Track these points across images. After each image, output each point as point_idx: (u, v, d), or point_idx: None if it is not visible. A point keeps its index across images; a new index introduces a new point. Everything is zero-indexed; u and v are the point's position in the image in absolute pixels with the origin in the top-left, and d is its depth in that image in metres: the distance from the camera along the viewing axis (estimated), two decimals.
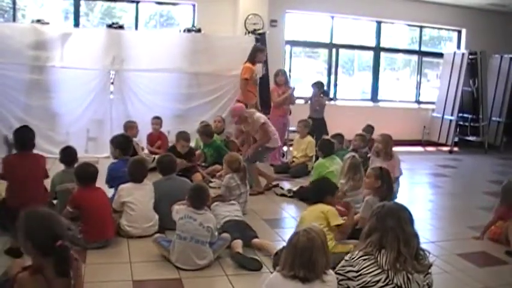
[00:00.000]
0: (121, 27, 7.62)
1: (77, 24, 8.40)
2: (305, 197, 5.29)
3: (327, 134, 6.94)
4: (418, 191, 6.70)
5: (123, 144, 4.86)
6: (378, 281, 2.38)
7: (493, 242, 4.33)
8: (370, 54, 10.50)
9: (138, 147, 6.39)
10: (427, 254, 2.49)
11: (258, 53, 7.28)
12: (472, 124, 9.84)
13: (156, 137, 7.03)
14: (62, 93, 7.20)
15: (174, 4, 9.16)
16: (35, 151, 4.19)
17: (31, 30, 7.05)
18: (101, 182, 4.16)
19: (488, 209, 5.04)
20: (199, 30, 8.03)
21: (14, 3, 8.11)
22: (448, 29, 11.15)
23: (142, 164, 4.33)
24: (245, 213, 4.63)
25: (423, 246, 2.52)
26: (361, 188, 4.61)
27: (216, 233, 3.66)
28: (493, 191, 6.07)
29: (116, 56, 7.31)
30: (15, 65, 6.90)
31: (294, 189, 5.73)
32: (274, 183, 6.02)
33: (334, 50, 10.09)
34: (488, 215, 4.67)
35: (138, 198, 4.06)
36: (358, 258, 2.47)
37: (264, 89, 7.93)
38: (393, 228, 2.42)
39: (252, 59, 7.24)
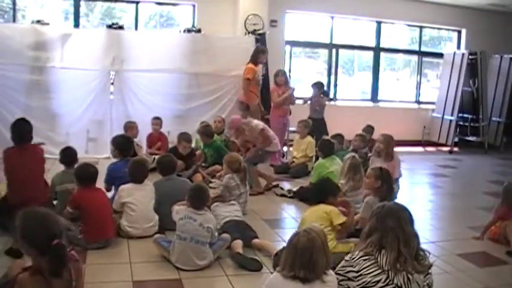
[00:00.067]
0: (121, 27, 7.62)
1: (77, 24, 8.40)
2: (305, 197, 5.32)
3: (327, 135, 6.94)
4: (418, 191, 6.70)
5: (122, 144, 4.86)
6: (378, 281, 2.38)
7: (493, 242, 4.34)
8: (370, 54, 10.50)
9: (138, 148, 6.39)
10: (427, 254, 2.49)
11: (260, 54, 7.33)
12: (472, 124, 9.84)
13: (156, 138, 7.02)
14: (62, 94, 7.20)
15: (174, 4, 9.16)
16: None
17: (31, 30, 7.05)
18: (99, 183, 4.15)
19: (488, 209, 5.04)
20: (199, 31, 8.03)
21: (14, 3, 8.11)
22: (448, 29, 11.14)
23: (142, 164, 4.34)
24: (245, 213, 4.63)
25: (423, 246, 2.52)
26: (361, 188, 4.62)
27: (216, 234, 3.66)
28: (493, 191, 6.07)
29: (116, 57, 7.31)
30: (15, 65, 6.90)
31: (294, 189, 5.72)
32: (274, 183, 6.02)
33: (334, 50, 10.09)
34: (488, 215, 4.67)
35: (138, 199, 4.05)
36: (359, 258, 2.47)
37: (264, 89, 7.94)
38: (393, 229, 2.42)
39: (255, 59, 7.28)
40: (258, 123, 5.94)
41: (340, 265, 2.55)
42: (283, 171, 6.82)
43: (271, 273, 3.19)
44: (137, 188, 4.11)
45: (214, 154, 6.53)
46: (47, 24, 7.27)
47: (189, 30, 8.04)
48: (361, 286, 2.42)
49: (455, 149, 9.99)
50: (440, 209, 5.71)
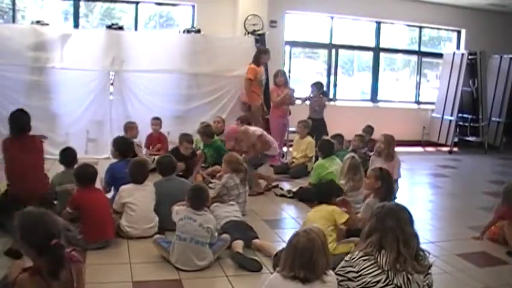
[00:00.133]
0: (120, 28, 7.63)
1: (76, 25, 8.41)
2: (305, 197, 5.32)
3: (327, 135, 6.94)
4: (418, 192, 6.70)
5: (121, 146, 4.87)
6: (378, 282, 2.38)
7: (493, 242, 4.33)
8: (370, 54, 10.51)
9: (138, 148, 6.38)
10: (427, 255, 2.49)
11: (262, 54, 7.37)
12: (471, 124, 9.84)
13: (156, 138, 7.02)
14: (62, 94, 7.20)
15: (173, 5, 9.16)
16: None
17: (31, 31, 7.05)
18: (96, 183, 4.14)
19: (488, 209, 5.04)
20: (198, 31, 8.03)
21: (14, 4, 8.12)
22: (448, 29, 11.15)
23: (143, 165, 4.34)
24: (245, 213, 4.63)
25: (423, 246, 2.52)
26: (361, 189, 4.62)
27: (216, 234, 3.66)
28: (493, 191, 6.07)
29: (116, 57, 7.31)
30: (15, 66, 6.90)
31: (294, 189, 5.72)
32: (274, 183, 6.02)
33: (333, 51, 10.09)
34: (488, 215, 4.67)
35: (138, 199, 4.05)
36: (358, 258, 2.47)
37: (264, 89, 7.93)
38: (393, 229, 2.42)
39: (257, 60, 7.32)
40: (255, 129, 5.97)
41: (340, 265, 2.55)
42: (283, 172, 6.81)
43: (271, 273, 3.18)
44: (138, 189, 4.12)
45: (214, 154, 6.52)
46: (47, 24, 7.27)
47: (188, 31, 8.05)
48: (361, 286, 2.42)
49: (455, 149, 9.99)
50: (440, 209, 5.71)
